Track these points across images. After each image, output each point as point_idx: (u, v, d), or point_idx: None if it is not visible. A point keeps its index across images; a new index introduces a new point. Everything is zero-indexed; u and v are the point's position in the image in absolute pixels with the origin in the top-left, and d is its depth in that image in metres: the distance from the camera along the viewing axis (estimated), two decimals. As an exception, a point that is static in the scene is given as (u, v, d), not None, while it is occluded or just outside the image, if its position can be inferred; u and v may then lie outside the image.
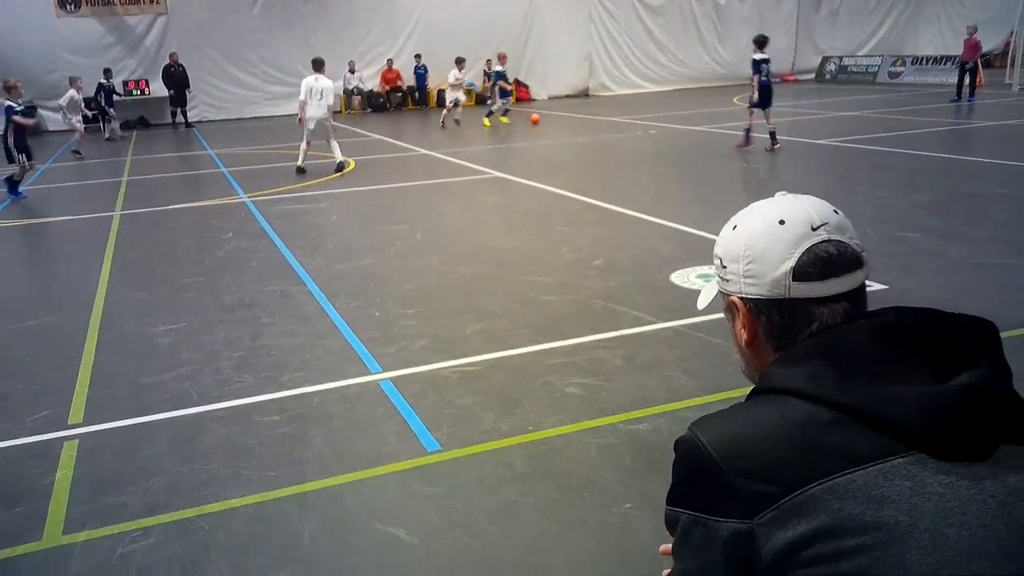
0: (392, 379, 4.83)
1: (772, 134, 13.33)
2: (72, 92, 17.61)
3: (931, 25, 32.94)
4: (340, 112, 25.37)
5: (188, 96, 23.46)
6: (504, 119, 19.83)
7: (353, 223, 9.49)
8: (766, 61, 13.46)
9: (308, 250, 8.11)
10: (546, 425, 4.14)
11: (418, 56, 25.87)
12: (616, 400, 4.39)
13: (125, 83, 23.71)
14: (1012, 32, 22.16)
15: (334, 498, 3.59)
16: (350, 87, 25.71)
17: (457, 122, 19.63)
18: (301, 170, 13.10)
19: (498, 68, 19.80)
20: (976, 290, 5.93)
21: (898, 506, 0.98)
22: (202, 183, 13.29)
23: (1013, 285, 6.02)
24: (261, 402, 4.62)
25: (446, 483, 3.65)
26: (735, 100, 22.41)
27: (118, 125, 21.12)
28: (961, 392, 1.02)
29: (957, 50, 28.15)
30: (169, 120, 23.75)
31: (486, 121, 19.28)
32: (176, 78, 22.98)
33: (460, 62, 19.52)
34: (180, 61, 23.02)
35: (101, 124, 21.15)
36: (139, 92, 23.82)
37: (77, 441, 4.27)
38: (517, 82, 27.99)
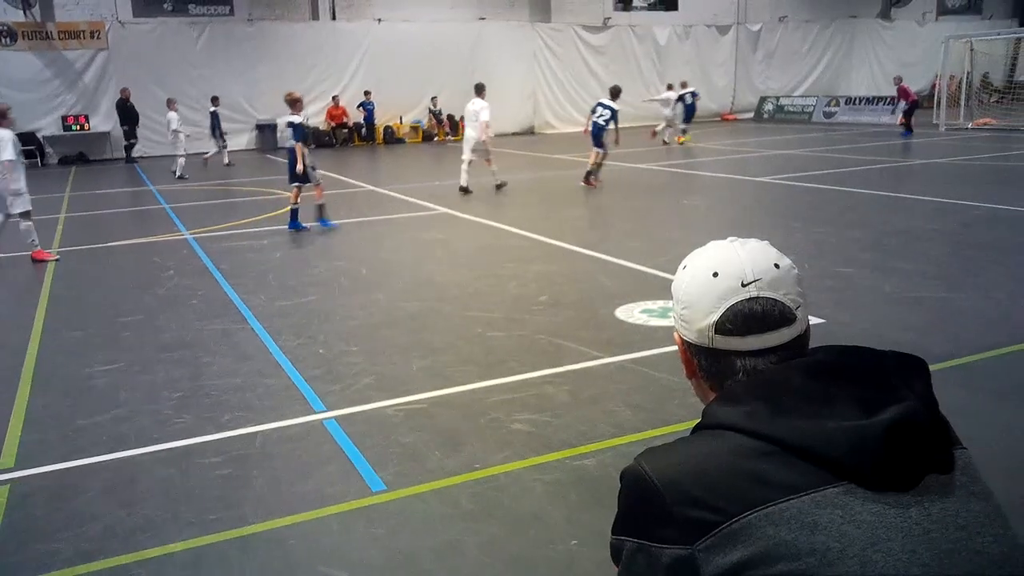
0: (336, 418, 4.77)
1: (591, 174, 14.25)
2: (173, 114, 18.32)
3: (863, 67, 34.23)
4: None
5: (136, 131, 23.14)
6: (686, 137, 22.54)
7: (297, 260, 9.41)
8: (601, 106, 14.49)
9: (251, 287, 8.01)
10: (492, 462, 4.13)
11: (367, 93, 25.92)
12: (561, 436, 4.41)
13: (64, 118, 23.29)
14: (937, 75, 23.22)
15: (276, 541, 3.52)
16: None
17: (665, 142, 22.04)
18: (464, 189, 13.88)
19: (690, 91, 22.80)
20: (910, 323, 6.11)
21: (829, 533, 1.03)
22: (143, 219, 13.06)
23: (944, 318, 6.22)
24: (201, 443, 4.52)
25: (391, 523, 3.61)
26: (677, 140, 22.85)
27: (226, 151, 21.03)
28: (887, 426, 1.07)
29: (887, 91, 29.46)
30: (110, 155, 23.44)
31: (688, 137, 22.24)
32: (128, 113, 22.64)
33: (671, 87, 23.33)
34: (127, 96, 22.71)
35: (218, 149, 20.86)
36: (79, 127, 23.41)
37: (8, 487, 4.13)
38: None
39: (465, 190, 13.92)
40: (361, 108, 26.05)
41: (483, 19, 28.01)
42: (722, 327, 1.23)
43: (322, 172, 11.87)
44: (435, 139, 27.39)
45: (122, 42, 23.59)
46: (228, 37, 24.76)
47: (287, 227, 11.15)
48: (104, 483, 4.12)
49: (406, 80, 26.56)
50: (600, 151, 14.28)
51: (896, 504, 1.05)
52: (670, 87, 23.48)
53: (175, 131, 18.29)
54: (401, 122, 27.31)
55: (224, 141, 20.86)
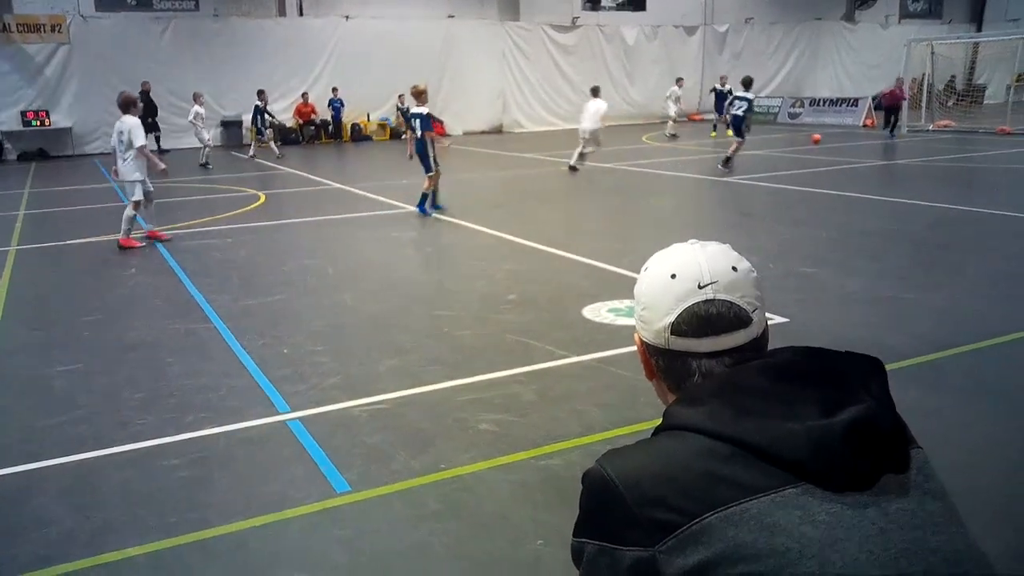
0: (301, 419, 4.72)
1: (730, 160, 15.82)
2: (197, 107, 19.08)
3: (827, 69, 34.66)
4: (251, 145, 25.07)
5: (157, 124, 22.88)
6: (713, 134, 24.31)
7: (263, 258, 9.31)
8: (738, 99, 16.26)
9: (215, 286, 7.91)
10: (458, 462, 4.11)
11: (335, 89, 25.75)
12: (529, 435, 4.40)
13: (23, 113, 22.85)
14: (898, 79, 23.63)
15: (238, 544, 3.48)
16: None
17: (674, 136, 23.48)
18: (573, 168, 16.06)
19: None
20: (873, 322, 6.19)
21: (788, 534, 1.03)
22: (104, 217, 12.78)
23: (907, 317, 6.31)
24: (163, 445, 4.45)
25: (355, 525, 3.58)
26: (644, 139, 22.98)
27: (276, 144, 21.45)
28: (846, 426, 1.08)
29: (852, 93, 30.00)
30: (71, 152, 23.09)
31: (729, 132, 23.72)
32: (148, 106, 22.44)
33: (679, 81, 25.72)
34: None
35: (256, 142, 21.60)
36: (39, 123, 22.98)
37: (-38, 490, 4.04)
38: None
39: (573, 168, 16.08)
40: (330, 106, 25.90)
41: (452, 17, 27.95)
42: (678, 328, 1.24)
43: (290, 170, 11.90)
44: (403, 137, 27.20)
45: (84, 36, 23.18)
46: (193, 33, 24.42)
47: (417, 211, 11.77)
48: (63, 486, 4.05)
49: (374, 77, 26.40)
50: (741, 140, 15.82)
51: (854, 504, 1.06)
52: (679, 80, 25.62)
53: (192, 122, 19.22)
54: (369, 119, 27.17)
55: (266, 134, 21.31)
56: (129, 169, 9.87)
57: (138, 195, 9.94)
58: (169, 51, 24.18)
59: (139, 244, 10.00)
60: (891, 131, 22.50)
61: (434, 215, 11.68)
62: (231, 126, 25.21)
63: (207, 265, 8.92)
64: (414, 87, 11.69)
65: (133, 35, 23.65)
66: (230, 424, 4.68)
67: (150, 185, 10.14)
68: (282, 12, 25.99)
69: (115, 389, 5.31)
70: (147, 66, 23.61)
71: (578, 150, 16.30)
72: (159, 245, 9.99)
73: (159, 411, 4.91)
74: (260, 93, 21.27)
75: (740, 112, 15.92)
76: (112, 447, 4.44)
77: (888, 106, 23.01)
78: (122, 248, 9.84)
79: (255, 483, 3.99)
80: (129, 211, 10.00)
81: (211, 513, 3.71)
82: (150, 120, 22.67)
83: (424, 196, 11.71)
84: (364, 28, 26.27)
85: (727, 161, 15.69)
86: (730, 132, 23.26)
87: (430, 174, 11.66)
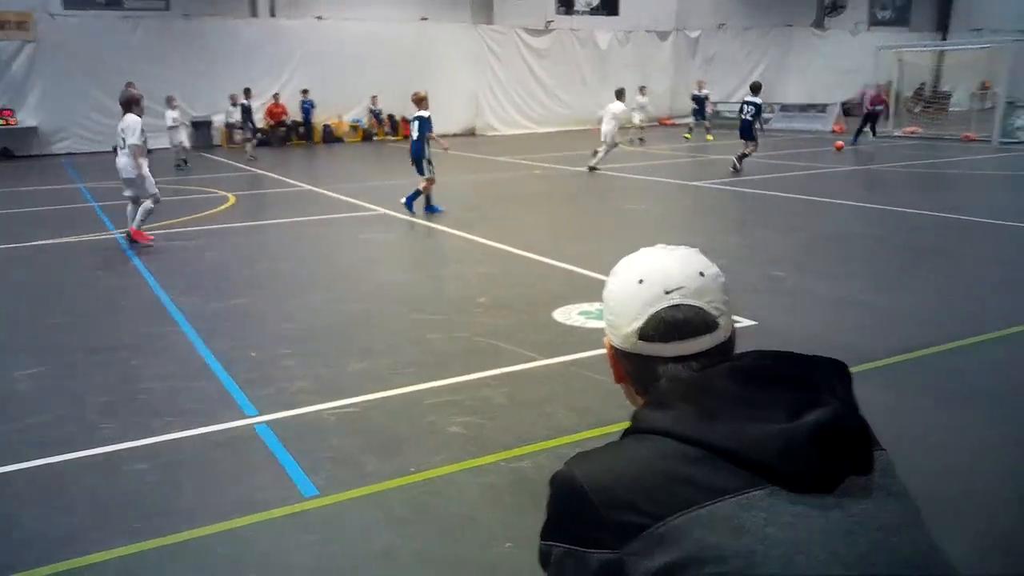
0: (268, 422, 4.69)
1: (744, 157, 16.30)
2: (172, 112, 19.20)
3: (798, 74, 34.97)
4: (221, 146, 24.88)
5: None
6: (687, 135, 25.32)
7: (232, 260, 9.23)
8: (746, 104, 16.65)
9: (183, 288, 7.82)
10: (428, 466, 4.10)
11: (305, 91, 25.60)
12: (499, 438, 4.40)
13: (-13, 112, 22.46)
14: (874, 85, 23.88)
15: (206, 549, 3.44)
16: (232, 120, 25.11)
17: (641, 140, 23.83)
18: (593, 168, 16.65)
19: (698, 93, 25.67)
20: (839, 325, 6.26)
21: (754, 535, 1.04)
22: (70, 218, 12.62)
23: (872, 320, 6.39)
24: (130, 449, 4.40)
25: (323, 530, 3.56)
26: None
27: (251, 145, 21.23)
28: (812, 428, 1.09)
29: (822, 99, 30.28)
30: (37, 151, 22.77)
31: (709, 137, 24.60)
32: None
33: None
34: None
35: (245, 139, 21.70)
36: (4, 122, 22.59)
37: (-79, 496, 3.96)
38: (404, 120, 28.05)
39: (593, 168, 16.66)
40: (300, 108, 25.75)
41: (425, 19, 27.89)
42: (645, 333, 1.24)
43: (262, 172, 11.82)
44: (375, 138, 27.17)
45: (52, 35, 22.81)
46: (163, 32, 24.14)
47: (425, 210, 11.94)
48: (27, 491, 3.99)
49: (346, 79, 26.28)
50: (752, 143, 16.27)
51: (818, 506, 1.07)
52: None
53: (170, 127, 19.24)
54: (341, 120, 27.04)
55: (253, 134, 21.29)
56: (130, 166, 9.87)
57: (151, 189, 9.96)
58: (138, 51, 23.84)
59: (151, 239, 10.02)
60: (855, 137, 22.23)
61: (411, 216, 11.64)
62: (201, 127, 24.95)
63: (176, 267, 8.82)
64: (415, 94, 11.95)
65: (102, 34, 23.33)
66: (197, 428, 4.63)
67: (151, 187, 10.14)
68: (254, 13, 25.79)
69: (81, 392, 5.23)
70: (116, 65, 23.23)
71: (595, 148, 16.82)
72: (128, 249, 9.85)
73: (126, 415, 4.85)
74: (247, 92, 21.39)
75: (749, 117, 16.30)
76: (78, 451, 4.38)
77: (869, 111, 22.54)
78: (132, 240, 9.88)
79: (223, 488, 3.96)
80: (148, 204, 10.00)
81: (179, 518, 3.67)
82: None
83: (417, 192, 11.77)
84: (337, 29, 26.14)
85: (741, 158, 16.08)
86: (710, 137, 23.81)
87: (427, 176, 11.75)
